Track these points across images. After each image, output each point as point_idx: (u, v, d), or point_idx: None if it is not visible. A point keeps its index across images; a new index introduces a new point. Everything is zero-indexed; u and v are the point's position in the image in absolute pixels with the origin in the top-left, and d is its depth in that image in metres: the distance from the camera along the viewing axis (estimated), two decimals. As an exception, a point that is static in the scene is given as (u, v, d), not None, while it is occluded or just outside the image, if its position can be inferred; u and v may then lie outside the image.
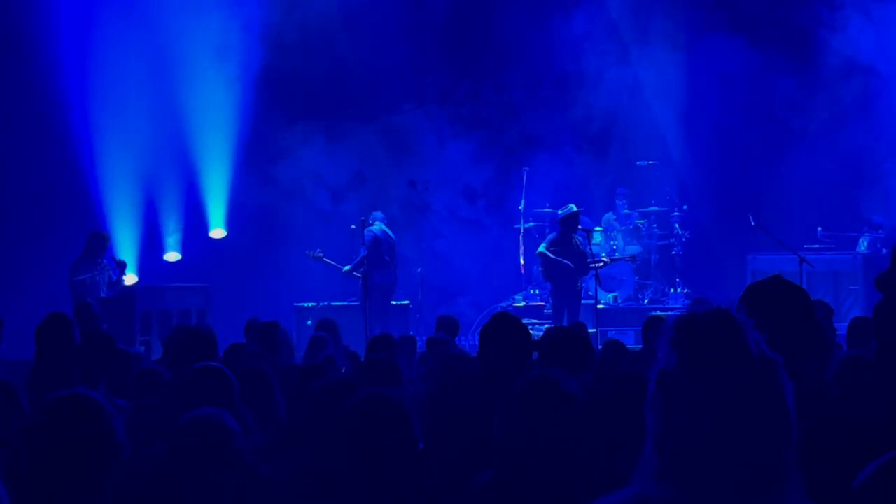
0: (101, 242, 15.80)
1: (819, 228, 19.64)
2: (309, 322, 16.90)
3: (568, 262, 15.74)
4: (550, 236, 16.49)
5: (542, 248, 16.20)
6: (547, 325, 16.38)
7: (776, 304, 4.09)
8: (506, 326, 6.21)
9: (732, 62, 21.00)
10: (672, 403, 2.31)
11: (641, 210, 20.39)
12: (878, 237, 19.25)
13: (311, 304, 17.87)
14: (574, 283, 15.92)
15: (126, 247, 18.87)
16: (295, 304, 18.15)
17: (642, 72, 21.54)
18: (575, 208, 16.21)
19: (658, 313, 17.51)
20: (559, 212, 16.44)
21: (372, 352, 8.35)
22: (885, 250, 19.06)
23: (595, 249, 16.91)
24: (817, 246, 19.06)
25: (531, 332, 6.68)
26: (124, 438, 3.68)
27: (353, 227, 17.64)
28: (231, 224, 20.35)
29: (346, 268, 17.41)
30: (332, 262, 17.71)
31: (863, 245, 19.28)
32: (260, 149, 20.82)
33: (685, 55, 21.49)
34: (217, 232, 20.25)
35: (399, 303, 18.20)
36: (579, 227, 16.25)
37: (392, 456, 4.00)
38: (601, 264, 16.41)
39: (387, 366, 6.70)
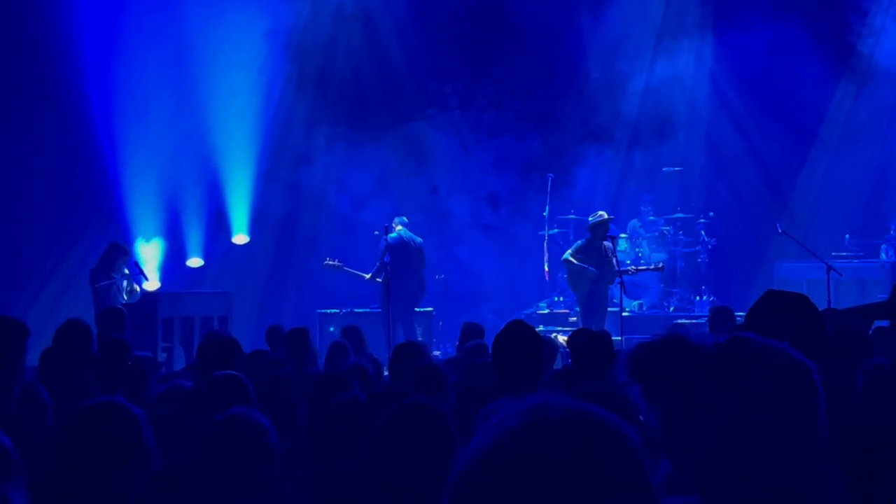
0: (119, 255, 15.76)
1: (846, 236, 19.55)
2: (332, 329, 16.91)
3: (593, 269, 15.71)
4: (577, 243, 16.44)
5: (566, 255, 16.18)
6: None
7: (778, 322, 4.08)
8: (516, 336, 6.16)
9: (758, 67, 20.97)
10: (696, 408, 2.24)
11: (667, 217, 20.33)
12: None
13: (334, 311, 17.87)
14: (599, 291, 15.86)
15: (149, 253, 18.94)
16: (318, 310, 18.17)
17: (667, 78, 21.49)
18: (606, 216, 16.15)
19: (683, 321, 17.49)
20: (589, 218, 16.34)
21: (400, 360, 8.34)
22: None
23: (620, 257, 16.86)
24: (845, 254, 18.96)
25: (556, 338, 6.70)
26: (154, 447, 3.71)
27: (376, 233, 17.66)
28: (253, 230, 20.39)
29: (368, 275, 17.45)
30: (353, 271, 17.71)
31: (885, 253, 19.16)
32: (282, 155, 20.87)
33: (711, 61, 21.46)
34: (240, 238, 20.29)
35: (422, 309, 18.20)
36: (608, 234, 16.19)
37: (430, 471, 3.80)
38: (628, 273, 16.32)
39: (431, 375, 6.67)
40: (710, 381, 2.25)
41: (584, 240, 16.22)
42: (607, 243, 16.01)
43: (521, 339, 6.09)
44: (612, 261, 15.67)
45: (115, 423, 3.66)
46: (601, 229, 15.94)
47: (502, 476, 1.64)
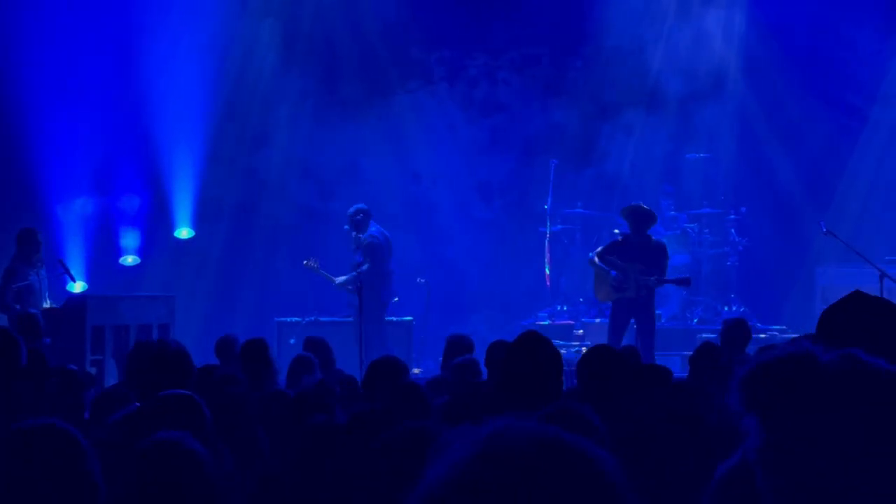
0: (32, 237, 15.71)
1: (903, 237, 19.61)
2: (293, 341, 16.86)
3: (614, 273, 15.48)
4: (613, 238, 16.23)
5: (591, 254, 15.99)
6: (577, 349, 16.33)
7: (862, 329, 4.02)
8: (536, 349, 6.15)
9: (801, 36, 20.94)
10: (783, 487, 2.27)
11: (691, 212, 20.30)
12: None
13: (295, 320, 17.82)
14: (634, 304, 15.51)
15: (76, 250, 18.86)
16: (277, 318, 18.10)
17: (691, 46, 21.46)
18: (645, 207, 15.92)
19: (709, 336, 17.45)
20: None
21: (381, 374, 8.28)
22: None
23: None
24: (901, 258, 18.99)
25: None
26: (100, 478, 3.65)
27: (347, 227, 17.60)
28: (200, 223, 20.32)
29: (340, 279, 17.34)
30: (326, 273, 17.66)
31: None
32: (235, 135, 20.80)
33: (743, 24, 21.40)
34: (183, 232, 20.23)
35: (400, 319, 18.15)
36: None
37: None
38: (649, 283, 15.75)
39: (413, 396, 6.65)
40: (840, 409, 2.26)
41: (620, 237, 16.02)
42: (658, 239, 15.83)
43: (538, 356, 6.06)
44: (639, 267, 15.32)
45: (55, 449, 3.60)
46: (633, 220, 15.61)
47: None
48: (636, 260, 15.36)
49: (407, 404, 6.38)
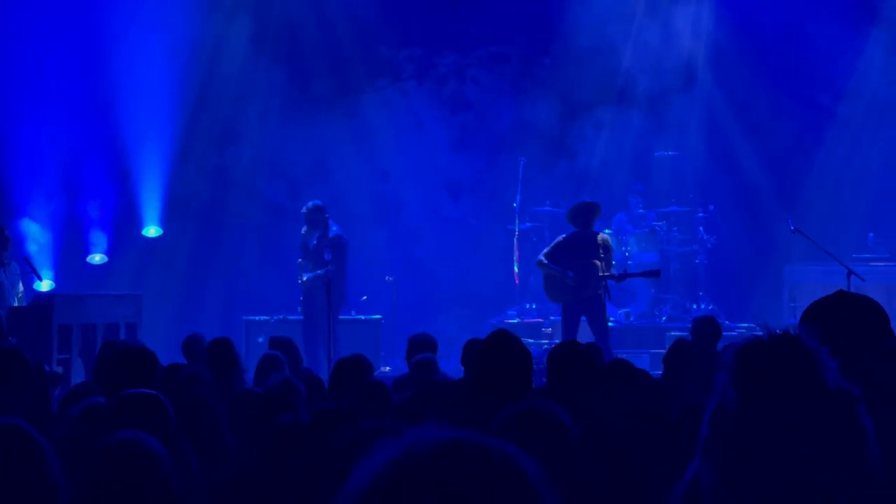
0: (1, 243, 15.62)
1: (870, 235, 19.63)
2: (261, 339, 16.80)
3: (571, 273, 15.46)
4: (558, 239, 16.15)
5: (541, 256, 16.01)
6: (546, 346, 16.30)
7: (847, 329, 4.02)
8: (506, 347, 6.15)
9: (768, 31, 20.98)
10: (732, 448, 2.26)
11: (659, 210, 20.33)
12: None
13: (263, 318, 17.77)
14: (585, 302, 15.51)
15: (42, 248, 18.77)
16: (244, 317, 18.05)
17: (660, 44, 21.48)
18: (588, 201, 15.98)
19: (679, 333, 17.47)
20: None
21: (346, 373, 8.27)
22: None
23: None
24: (868, 256, 19.03)
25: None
26: (60, 479, 3.62)
27: (305, 227, 17.51)
28: (168, 221, 20.25)
29: (307, 277, 17.29)
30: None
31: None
32: (204, 133, 20.73)
33: (711, 22, 21.42)
34: (151, 231, 20.15)
35: (368, 318, 18.12)
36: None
37: None
38: (614, 279, 15.74)
39: (375, 393, 6.63)
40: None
41: (565, 235, 16.01)
42: (605, 234, 15.86)
43: (508, 354, 6.07)
44: (597, 264, 15.33)
45: (15, 450, 3.56)
46: (585, 217, 15.66)
47: None
48: (585, 256, 15.34)
49: (371, 402, 6.36)
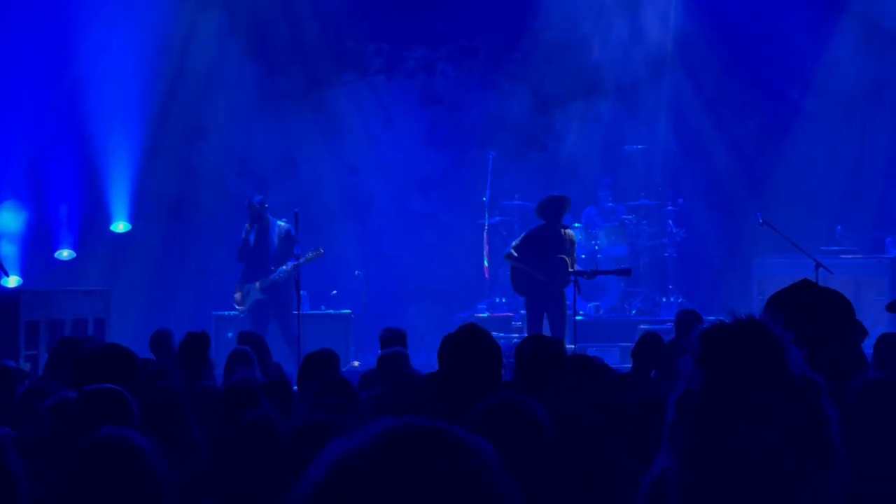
0: None
1: (838, 227, 19.71)
2: (230, 334, 16.74)
3: (540, 269, 15.45)
4: (525, 233, 16.15)
5: (510, 249, 16.00)
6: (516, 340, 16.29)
7: (812, 318, 4.04)
8: (475, 341, 6.15)
9: (736, 24, 21.01)
10: (696, 433, 2.26)
11: (629, 204, 20.38)
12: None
13: (233, 313, 17.72)
14: (549, 293, 15.56)
15: (8, 243, 18.68)
16: (214, 312, 18.00)
17: (628, 37, 21.50)
18: (557, 194, 15.97)
19: (648, 327, 17.51)
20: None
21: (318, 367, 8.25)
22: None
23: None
24: (836, 248, 19.11)
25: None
26: (22, 475, 3.59)
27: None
28: (137, 217, 20.17)
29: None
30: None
31: (892, 247, 19.35)
32: (172, 128, 20.65)
33: (679, 16, 21.46)
34: (120, 226, 20.08)
35: (338, 312, 18.10)
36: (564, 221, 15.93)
37: None
38: (584, 275, 15.70)
39: (341, 387, 6.61)
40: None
41: (533, 228, 16.01)
42: (570, 230, 15.87)
43: (477, 348, 6.07)
44: (566, 259, 15.35)
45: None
46: (554, 211, 15.66)
47: None
48: (554, 250, 15.35)
49: (336, 398, 6.35)
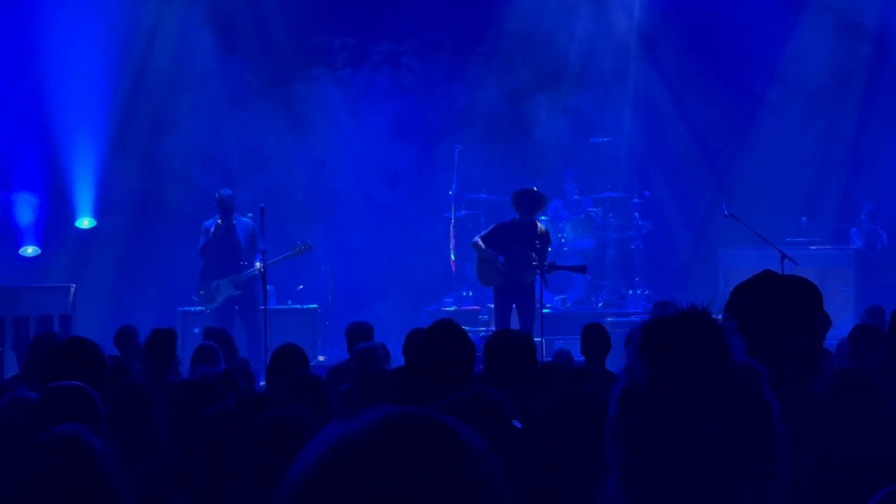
0: None
1: (803, 219, 19.79)
2: (196, 330, 16.70)
3: (502, 258, 15.45)
4: (498, 223, 16.09)
5: (476, 238, 15.98)
6: (483, 333, 16.30)
7: (778, 307, 4.06)
8: (449, 336, 6.15)
9: (699, 16, 21.05)
10: (639, 425, 2.28)
11: (595, 196, 20.41)
12: (873, 229, 19.44)
13: (199, 309, 17.66)
14: (516, 286, 15.55)
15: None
16: (180, 308, 17.94)
17: (594, 30, 21.51)
18: (535, 189, 15.92)
19: (615, 319, 17.55)
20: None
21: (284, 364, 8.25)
22: (881, 245, 19.28)
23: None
24: (801, 240, 19.20)
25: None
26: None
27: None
28: (102, 212, 20.09)
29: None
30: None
31: (856, 240, 19.46)
32: (137, 122, 20.57)
33: (644, 7, 21.46)
34: (85, 222, 19.99)
35: (305, 307, 18.07)
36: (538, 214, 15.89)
37: None
38: (544, 269, 15.66)
39: (312, 383, 6.60)
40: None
41: (506, 220, 15.99)
42: (543, 226, 15.86)
43: (451, 343, 6.07)
44: (531, 253, 15.32)
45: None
46: (528, 204, 15.61)
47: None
48: (522, 244, 15.35)
49: (301, 394, 6.34)
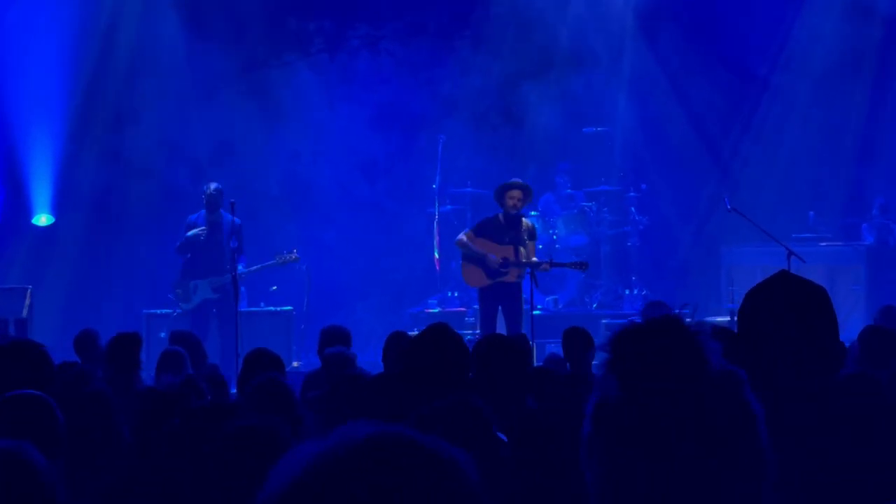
0: None
1: (811, 213, 19.81)
2: (163, 334, 16.67)
3: (493, 256, 15.45)
4: (483, 219, 16.09)
5: (461, 235, 15.98)
6: (470, 337, 16.30)
7: (795, 313, 4.05)
8: (443, 341, 6.15)
9: (700, 2, 21.10)
10: (613, 441, 2.28)
11: (588, 190, 20.41)
12: (885, 224, 19.47)
13: (165, 311, 17.64)
14: (502, 288, 15.54)
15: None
16: (145, 310, 17.90)
17: (587, 14, 21.52)
18: (520, 182, 15.92)
19: (610, 321, 17.56)
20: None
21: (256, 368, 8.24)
22: (894, 240, 19.31)
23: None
24: (809, 235, 19.22)
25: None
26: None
27: (222, 210, 17.41)
28: (60, 208, 20.05)
29: (255, 268, 17.10)
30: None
31: (868, 236, 19.49)
32: (98, 114, 20.54)
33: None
34: (42, 219, 19.96)
35: (279, 309, 18.03)
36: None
37: None
38: (540, 267, 15.68)
39: (276, 389, 6.59)
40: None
41: (489, 216, 16.00)
42: (529, 221, 15.87)
43: (446, 349, 6.07)
44: (520, 250, 15.34)
45: None
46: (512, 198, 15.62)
47: None
48: (508, 240, 15.34)
49: (273, 399, 6.33)
